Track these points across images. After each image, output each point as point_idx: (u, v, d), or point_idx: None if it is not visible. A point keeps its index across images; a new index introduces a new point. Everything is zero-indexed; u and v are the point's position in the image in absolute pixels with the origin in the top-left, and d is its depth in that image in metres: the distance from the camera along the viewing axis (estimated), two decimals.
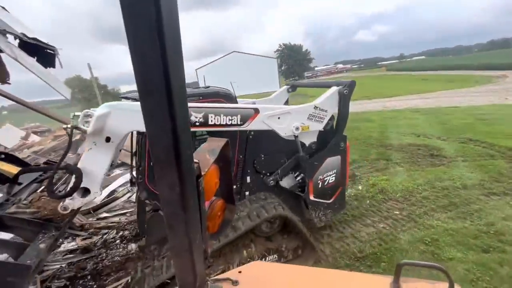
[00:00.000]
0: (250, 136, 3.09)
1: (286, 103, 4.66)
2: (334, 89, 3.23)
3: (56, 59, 5.07)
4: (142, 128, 2.58)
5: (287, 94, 4.65)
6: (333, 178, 3.37)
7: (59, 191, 2.57)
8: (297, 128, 3.02)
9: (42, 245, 2.51)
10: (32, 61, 4.37)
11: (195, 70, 42.43)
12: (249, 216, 2.82)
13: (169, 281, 2.66)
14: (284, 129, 3.00)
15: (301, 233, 3.06)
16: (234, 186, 3.16)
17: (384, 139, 8.17)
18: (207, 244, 0.87)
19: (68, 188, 2.40)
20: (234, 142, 3.01)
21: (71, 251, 3.97)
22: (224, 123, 2.69)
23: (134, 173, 3.30)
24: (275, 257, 3.07)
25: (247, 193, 3.24)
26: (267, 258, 3.03)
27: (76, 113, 2.26)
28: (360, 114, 12.82)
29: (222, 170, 0.94)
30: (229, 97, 3.08)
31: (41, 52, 4.97)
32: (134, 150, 3.23)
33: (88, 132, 2.28)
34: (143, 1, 0.43)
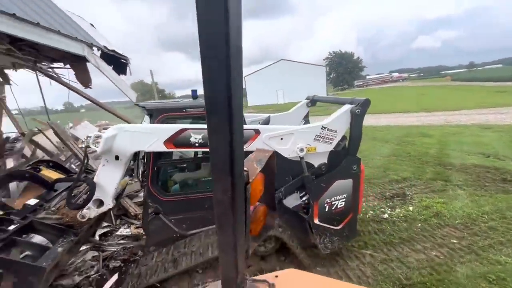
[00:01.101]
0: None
1: (306, 117, 4.54)
2: (345, 108, 2.99)
3: (127, 68, 5.91)
4: (145, 148, 2.71)
5: (307, 109, 4.50)
6: (343, 203, 3.10)
7: (78, 202, 2.85)
8: (301, 150, 2.85)
9: (60, 249, 2.75)
10: (109, 69, 5.15)
11: (243, 77, 44.04)
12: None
13: (158, 285, 2.77)
14: (287, 150, 2.86)
15: (297, 258, 2.92)
16: None
17: (443, 157, 7.34)
18: (249, 245, 0.94)
19: (82, 199, 2.73)
20: None
21: (126, 237, 4.47)
22: None
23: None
24: None
25: None
26: None
27: (89, 135, 2.55)
28: (415, 128, 11.76)
29: (267, 178, 1.01)
30: None
31: (116, 61, 5.84)
32: (141, 156, 3.38)
33: (98, 152, 2.54)
34: (217, 34, 0.52)
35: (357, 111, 2.91)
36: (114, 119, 10.39)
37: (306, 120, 4.52)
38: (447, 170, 6.43)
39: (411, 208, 4.75)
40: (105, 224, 4.54)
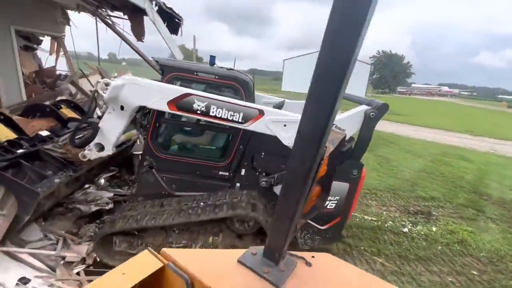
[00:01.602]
0: None
1: None
2: (360, 108, 2.81)
3: (180, 28, 5.97)
4: (148, 104, 2.69)
5: None
6: (333, 204, 2.97)
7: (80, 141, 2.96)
8: None
9: (57, 180, 2.90)
10: (163, 26, 5.24)
11: (282, 60, 43.00)
12: (216, 207, 2.75)
13: (136, 232, 2.87)
14: (288, 139, 2.70)
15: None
16: (227, 174, 3.11)
17: (480, 186, 6.84)
18: (298, 220, 0.96)
19: (84, 139, 2.86)
20: (237, 130, 2.87)
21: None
22: (225, 117, 2.63)
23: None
24: None
25: (238, 184, 3.14)
26: None
27: (100, 80, 2.60)
28: (454, 149, 10.96)
29: (330, 160, 1.00)
30: (246, 85, 2.92)
31: (170, 20, 5.91)
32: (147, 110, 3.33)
33: (104, 98, 2.60)
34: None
35: (371, 114, 2.70)
36: (154, 77, 10.73)
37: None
38: (482, 200, 6.01)
39: (434, 229, 4.55)
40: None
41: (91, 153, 2.91)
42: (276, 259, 0.96)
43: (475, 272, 3.60)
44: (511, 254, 4.04)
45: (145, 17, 5.30)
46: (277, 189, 3.05)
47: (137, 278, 0.84)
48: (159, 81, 2.89)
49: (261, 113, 2.67)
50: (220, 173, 3.11)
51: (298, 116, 2.78)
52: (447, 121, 17.82)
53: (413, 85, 69.48)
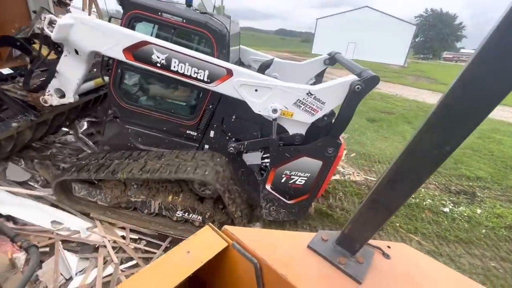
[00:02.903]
0: None
1: (320, 76, 3.78)
2: (346, 78, 2.34)
3: None
4: (101, 50, 2.38)
5: (323, 66, 3.71)
6: (303, 181, 2.69)
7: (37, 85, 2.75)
8: (274, 110, 2.40)
9: (14, 124, 2.73)
10: None
11: (315, 19, 39.50)
12: (178, 168, 2.59)
13: (96, 181, 2.84)
14: (258, 105, 2.43)
15: (233, 216, 2.71)
16: (194, 134, 2.90)
17: None
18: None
19: (40, 83, 2.60)
20: (206, 89, 2.57)
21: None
22: (188, 74, 2.35)
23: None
24: (199, 219, 2.88)
25: (206, 146, 2.95)
26: (191, 215, 2.85)
27: (44, 15, 2.27)
28: (508, 126, 9.83)
29: None
30: (219, 35, 2.51)
31: None
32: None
33: (52, 38, 2.30)
34: None
35: (357, 87, 2.24)
36: None
37: (318, 79, 3.82)
38: None
39: (478, 211, 4.24)
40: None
41: (51, 98, 2.72)
42: (355, 250, 0.84)
43: None
44: None
45: None
46: (246, 157, 2.89)
47: (204, 257, 0.77)
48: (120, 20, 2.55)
49: (229, 73, 2.36)
50: (188, 132, 2.90)
51: (272, 81, 2.44)
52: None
53: (461, 50, 61.33)
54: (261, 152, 2.83)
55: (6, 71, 3.26)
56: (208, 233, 0.87)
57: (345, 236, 0.85)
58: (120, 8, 2.65)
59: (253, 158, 2.88)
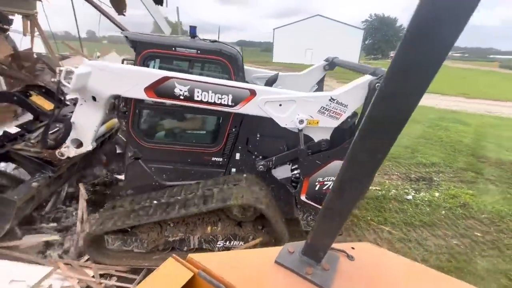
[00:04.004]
0: None
1: (321, 82, 4.02)
2: (364, 79, 2.50)
3: None
4: (122, 92, 2.39)
5: (323, 72, 3.95)
6: None
7: (53, 140, 2.70)
8: (301, 121, 2.49)
9: (34, 184, 2.69)
10: None
11: (273, 29, 41.06)
12: (212, 198, 2.55)
13: (129, 229, 2.71)
14: (285, 120, 2.51)
15: (276, 232, 2.69)
16: (220, 160, 2.87)
17: (478, 149, 6.92)
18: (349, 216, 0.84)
19: (58, 138, 2.56)
20: (228, 113, 2.62)
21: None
22: (212, 101, 2.39)
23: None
24: (241, 245, 2.83)
25: (233, 170, 2.92)
26: (232, 242, 2.82)
27: (61, 68, 2.26)
28: (451, 113, 10.99)
29: None
30: (234, 60, 2.58)
31: None
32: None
33: (70, 89, 2.28)
34: None
35: (377, 85, 2.37)
36: None
37: (320, 85, 4.02)
38: (481, 162, 6.10)
39: (436, 194, 4.62)
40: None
41: (69, 150, 2.64)
42: (319, 258, 0.86)
43: (478, 234, 3.71)
44: (511, 214, 4.16)
45: None
46: (276, 172, 2.87)
47: None
48: (134, 61, 2.55)
49: (253, 93, 2.41)
50: (213, 159, 2.87)
51: (294, 94, 2.54)
52: (442, 84, 17.67)
53: None
54: (289, 164, 2.83)
55: (13, 130, 3.14)
56: (172, 265, 0.84)
57: (308, 245, 0.87)
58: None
59: (282, 172, 2.86)
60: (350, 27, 39.10)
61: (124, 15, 5.22)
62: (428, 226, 3.84)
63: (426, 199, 4.47)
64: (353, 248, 1.01)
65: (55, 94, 2.59)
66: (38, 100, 3.51)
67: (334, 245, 1.00)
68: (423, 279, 0.93)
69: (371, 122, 0.53)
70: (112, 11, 5.31)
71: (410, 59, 0.46)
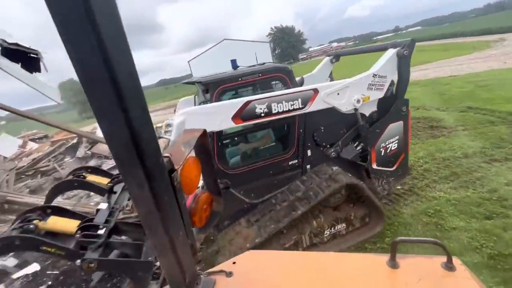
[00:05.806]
0: None
1: (330, 75, 4.64)
2: (391, 52, 3.09)
3: (41, 63, 4.97)
4: (215, 128, 2.73)
5: (331, 66, 4.60)
6: (396, 145, 3.34)
7: None
8: (358, 101, 3.01)
9: None
10: (16, 67, 4.27)
11: (187, 62, 41.74)
12: (322, 186, 2.87)
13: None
14: (345, 104, 3.00)
15: (369, 200, 3.04)
16: (296, 161, 3.15)
17: None
18: (193, 240, 0.84)
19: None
20: (293, 118, 2.96)
21: None
22: (287, 109, 2.76)
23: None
24: (344, 226, 3.14)
25: (308, 166, 3.22)
26: (336, 227, 3.11)
27: (159, 125, 2.58)
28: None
29: (204, 161, 0.90)
30: (288, 72, 3.09)
31: (25, 58, 4.87)
32: None
33: (172, 140, 2.61)
34: None
35: (404, 52, 2.99)
36: (45, 126, 9.02)
37: (331, 77, 4.61)
38: None
39: None
40: None
41: None
42: None
43: (399, 187, 4.22)
44: (417, 160, 4.89)
45: None
46: (344, 154, 3.20)
47: None
48: (205, 100, 3.02)
49: (316, 91, 2.83)
50: (291, 163, 3.15)
51: (345, 81, 2.99)
52: (348, 69, 20.40)
53: (310, 49, 76.75)
54: (352, 143, 3.22)
55: (103, 205, 2.95)
56: None
57: (171, 284, 0.84)
58: None
59: (349, 152, 3.20)
60: (257, 43, 42.49)
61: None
62: None
63: None
64: (234, 263, 1.02)
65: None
66: (94, 178, 3.26)
67: (213, 269, 0.99)
68: (297, 264, 0.99)
69: (117, 163, 0.55)
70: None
71: None
